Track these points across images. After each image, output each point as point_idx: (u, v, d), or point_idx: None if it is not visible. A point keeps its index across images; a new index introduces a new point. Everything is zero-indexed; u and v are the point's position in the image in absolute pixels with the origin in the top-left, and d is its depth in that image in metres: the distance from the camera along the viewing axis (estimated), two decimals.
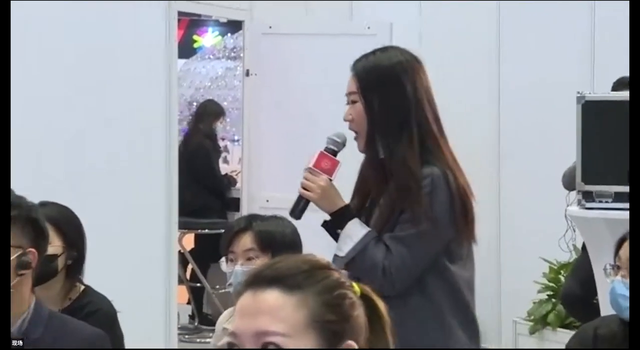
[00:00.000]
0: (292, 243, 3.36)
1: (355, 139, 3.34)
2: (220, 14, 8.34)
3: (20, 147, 5.69)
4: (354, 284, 1.89)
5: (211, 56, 10.94)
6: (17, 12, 5.64)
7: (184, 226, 7.30)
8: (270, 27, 6.95)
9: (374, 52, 3.40)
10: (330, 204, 3.27)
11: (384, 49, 3.44)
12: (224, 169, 9.07)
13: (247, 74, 7.10)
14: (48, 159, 5.69)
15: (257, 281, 1.81)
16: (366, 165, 3.37)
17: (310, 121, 6.60)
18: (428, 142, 3.29)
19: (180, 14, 6.66)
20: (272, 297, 1.79)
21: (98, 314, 3.57)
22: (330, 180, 3.28)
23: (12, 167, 5.60)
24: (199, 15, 9.82)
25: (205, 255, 8.23)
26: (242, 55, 7.73)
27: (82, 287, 3.69)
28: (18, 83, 5.70)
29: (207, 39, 11.92)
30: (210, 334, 7.61)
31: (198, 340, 7.81)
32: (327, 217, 3.34)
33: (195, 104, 9.69)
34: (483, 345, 7.43)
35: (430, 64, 7.87)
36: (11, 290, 2.80)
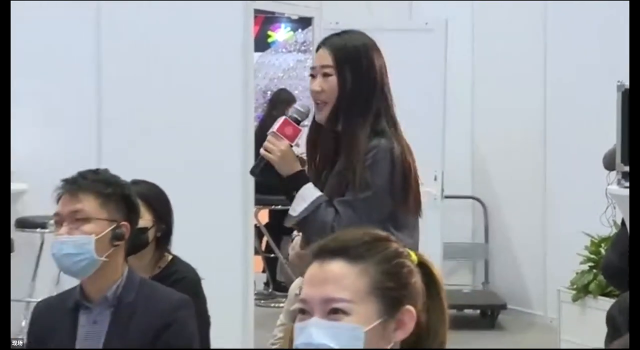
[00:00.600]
0: None
1: (319, 109, 3.27)
2: (292, 11, 8.32)
3: (119, 136, 5.92)
4: (411, 253, 1.88)
5: (283, 50, 10.94)
6: (107, 12, 5.72)
7: (259, 202, 7.31)
8: (337, 23, 6.92)
9: (344, 32, 3.34)
10: (288, 167, 3.21)
11: (351, 31, 3.36)
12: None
13: None
14: (138, 143, 5.78)
15: (323, 253, 1.82)
16: (322, 135, 3.31)
17: None
18: (386, 117, 3.23)
19: (256, 11, 6.64)
20: (337, 267, 1.79)
21: (184, 281, 3.59)
22: (291, 146, 3.23)
23: (109, 152, 5.80)
24: (273, 13, 9.81)
25: (278, 229, 8.24)
26: (311, 48, 7.72)
27: (170, 257, 3.72)
28: (110, 78, 5.80)
29: (280, 34, 11.92)
30: (283, 299, 7.63)
31: (272, 304, 7.85)
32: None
33: (269, 92, 9.70)
34: (530, 311, 7.44)
35: (482, 57, 7.95)
36: (106, 259, 2.83)
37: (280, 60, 10.66)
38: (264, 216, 8.47)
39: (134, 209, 2.94)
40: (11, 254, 5.84)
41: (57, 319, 2.89)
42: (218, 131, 6.08)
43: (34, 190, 4.92)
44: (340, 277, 1.78)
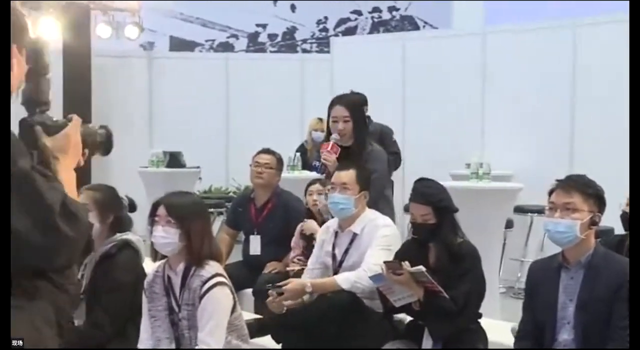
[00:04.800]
0: None
1: (341, 137, 3.83)
2: None
3: (587, 147, 5.81)
4: None
5: None
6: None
7: None
8: None
9: (352, 93, 3.98)
10: (332, 168, 3.72)
11: (356, 93, 4.02)
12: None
13: None
14: (605, 153, 5.66)
15: None
16: (353, 150, 3.84)
17: None
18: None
19: None
20: None
21: None
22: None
23: (580, 160, 5.70)
24: None
25: None
26: None
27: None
28: (583, 96, 5.51)
29: None
30: None
31: None
32: None
33: None
34: None
35: None
36: (584, 237, 2.67)
37: None
38: None
39: (604, 203, 2.72)
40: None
41: (545, 274, 2.81)
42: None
43: (526, 188, 4.91)
44: None
